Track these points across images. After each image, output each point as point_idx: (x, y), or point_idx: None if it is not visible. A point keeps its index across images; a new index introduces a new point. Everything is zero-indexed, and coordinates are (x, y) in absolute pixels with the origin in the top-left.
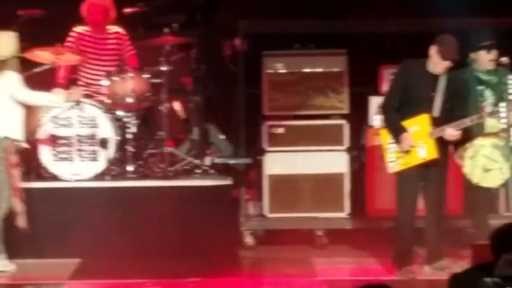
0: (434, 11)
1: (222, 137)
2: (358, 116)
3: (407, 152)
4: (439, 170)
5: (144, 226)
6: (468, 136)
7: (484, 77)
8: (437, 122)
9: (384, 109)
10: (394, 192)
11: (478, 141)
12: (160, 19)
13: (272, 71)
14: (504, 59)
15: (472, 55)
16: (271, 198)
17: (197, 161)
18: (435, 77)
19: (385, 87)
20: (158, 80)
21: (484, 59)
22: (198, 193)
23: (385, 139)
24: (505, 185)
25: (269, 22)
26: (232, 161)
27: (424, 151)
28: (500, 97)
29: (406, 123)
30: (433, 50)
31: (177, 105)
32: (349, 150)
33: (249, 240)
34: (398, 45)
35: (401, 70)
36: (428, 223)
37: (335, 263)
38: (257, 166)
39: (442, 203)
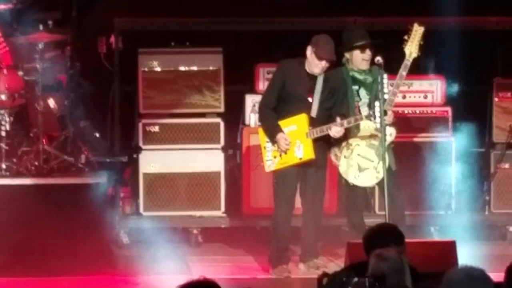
0: (311, 9)
1: (97, 134)
2: (234, 115)
3: (284, 151)
4: (317, 170)
5: (18, 224)
6: (343, 136)
7: (359, 76)
8: (315, 122)
9: (261, 109)
10: (270, 191)
11: (353, 141)
12: (34, 15)
13: (147, 69)
14: (378, 59)
15: (347, 55)
16: (147, 197)
17: (71, 159)
18: (312, 77)
19: (261, 85)
20: (33, 78)
21: (358, 59)
22: (73, 191)
23: (263, 138)
24: (379, 184)
25: (145, 19)
26: (107, 159)
27: (301, 151)
28: (375, 96)
29: (283, 123)
30: (309, 51)
31: (51, 103)
32: (224, 148)
33: (124, 238)
34: (274, 44)
35: (278, 69)
36: (305, 222)
37: (210, 262)
38: (133, 164)
39: (320, 202)
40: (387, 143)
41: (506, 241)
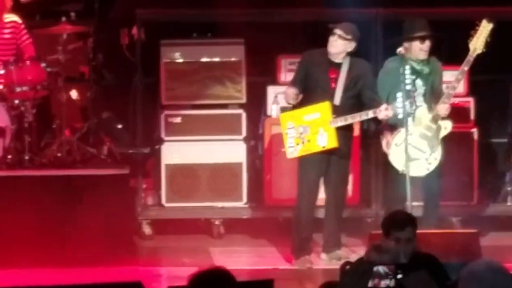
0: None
1: (120, 126)
2: (255, 106)
3: (305, 137)
4: (340, 160)
5: (43, 215)
6: (395, 123)
7: (416, 66)
8: (338, 111)
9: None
10: (292, 181)
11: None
12: (57, 7)
13: (169, 60)
14: (400, 50)
15: (406, 44)
16: (169, 188)
17: (94, 150)
18: (336, 66)
19: (282, 76)
20: (55, 69)
21: (417, 49)
22: (95, 182)
23: (284, 124)
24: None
25: (166, 11)
26: (130, 150)
27: (325, 139)
28: (431, 87)
29: (306, 110)
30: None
31: (74, 94)
32: (246, 139)
33: (147, 229)
34: (296, 35)
35: (302, 60)
36: (327, 212)
37: (232, 253)
38: (155, 155)
39: (342, 193)
40: (442, 135)
41: None
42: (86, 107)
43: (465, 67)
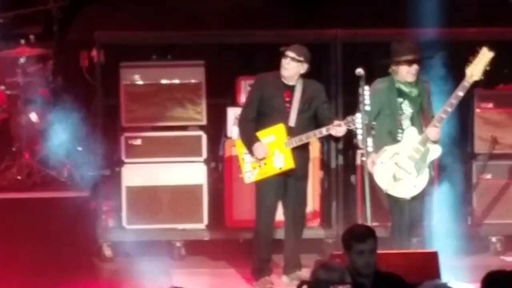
0: (291, 22)
1: (80, 148)
2: (216, 127)
3: (261, 160)
4: (298, 182)
5: (1, 237)
6: (381, 142)
7: (404, 89)
8: (293, 132)
9: (240, 122)
10: (252, 203)
11: (394, 148)
12: (16, 30)
13: (129, 83)
14: (359, 71)
15: (393, 67)
16: (129, 210)
17: (54, 173)
18: (290, 88)
19: (242, 98)
20: (15, 92)
21: (404, 72)
22: (56, 205)
23: (241, 150)
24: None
25: (126, 33)
26: (90, 173)
27: (281, 160)
28: (420, 109)
29: (262, 133)
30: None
31: (34, 117)
32: (207, 161)
33: (107, 252)
34: (256, 56)
35: (255, 83)
36: (286, 234)
37: (193, 274)
38: (115, 177)
39: (301, 214)
40: (430, 159)
41: (488, 252)
42: (46, 129)
43: (460, 92)
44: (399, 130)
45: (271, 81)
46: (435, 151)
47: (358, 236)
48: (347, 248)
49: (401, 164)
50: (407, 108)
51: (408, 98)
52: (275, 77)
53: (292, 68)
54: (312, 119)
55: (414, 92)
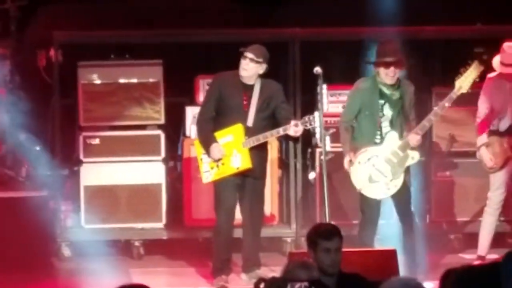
0: (250, 21)
1: (38, 148)
2: (174, 127)
3: (218, 161)
4: (255, 181)
5: None
6: (358, 141)
7: (386, 91)
8: (251, 132)
9: (198, 122)
10: (211, 202)
11: (373, 150)
12: None
13: (87, 82)
14: (317, 69)
15: (375, 67)
16: (88, 209)
17: (12, 173)
18: (248, 88)
19: (201, 97)
20: None
21: (383, 74)
22: (14, 204)
23: (199, 150)
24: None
25: (84, 33)
26: (48, 172)
27: (238, 160)
28: (399, 112)
29: (219, 134)
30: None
31: None
32: (165, 160)
33: (66, 251)
34: (214, 55)
35: (213, 82)
36: (245, 233)
37: (152, 273)
38: (74, 177)
39: (259, 213)
40: (407, 164)
41: (446, 250)
42: (3, 129)
43: (447, 103)
44: (378, 132)
45: (230, 81)
46: (413, 158)
47: (325, 234)
48: (313, 246)
49: (378, 167)
50: (387, 111)
51: (388, 100)
52: (233, 76)
53: (251, 69)
54: (270, 118)
55: (396, 95)
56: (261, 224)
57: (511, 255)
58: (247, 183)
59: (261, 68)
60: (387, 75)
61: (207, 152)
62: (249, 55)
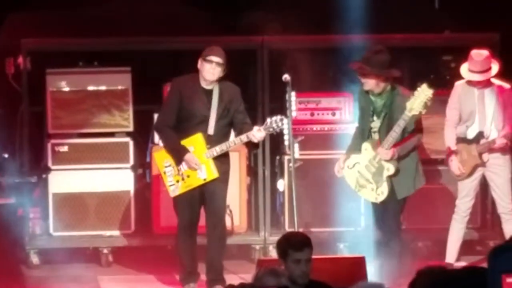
0: (218, 29)
1: (6, 155)
2: (143, 134)
3: (184, 173)
4: (218, 187)
5: None
6: (353, 144)
7: (372, 98)
8: (212, 140)
9: (160, 129)
10: None
11: (355, 157)
12: None
13: (55, 89)
14: (286, 76)
15: None
16: (56, 217)
17: None
18: (208, 93)
19: None
20: None
21: (362, 82)
22: None
23: (161, 163)
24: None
25: (52, 40)
26: (16, 180)
27: (204, 172)
28: (383, 121)
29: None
30: (200, 62)
31: None
32: (134, 167)
33: (34, 259)
34: (182, 63)
35: (173, 87)
36: (209, 241)
37: (121, 281)
38: (42, 184)
39: (222, 219)
40: (385, 175)
41: (415, 257)
42: None
43: (401, 123)
44: (368, 136)
45: (190, 85)
46: (389, 169)
47: (295, 245)
48: (283, 256)
49: (362, 173)
50: (374, 118)
51: (373, 107)
52: (192, 81)
53: (217, 73)
54: (230, 125)
55: (379, 102)
56: (225, 228)
57: (498, 249)
58: (211, 189)
59: (223, 71)
60: (364, 84)
61: (179, 161)
62: (215, 59)
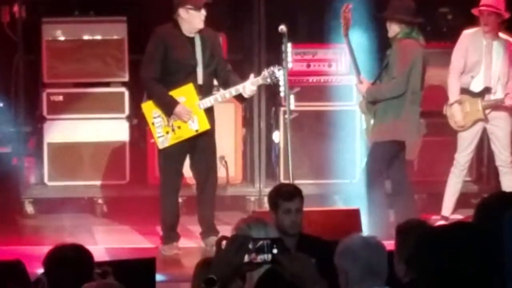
0: None
1: (1, 104)
2: (138, 84)
3: (175, 123)
4: (207, 139)
5: None
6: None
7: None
8: (203, 90)
9: (146, 81)
10: None
11: None
12: None
13: (51, 38)
14: (282, 27)
15: None
16: (51, 166)
17: None
18: (191, 42)
19: None
20: None
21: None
22: None
23: (149, 114)
24: None
25: None
26: (11, 129)
27: (196, 123)
28: (385, 67)
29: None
30: (182, 11)
31: None
32: (129, 118)
33: (29, 208)
34: None
35: (156, 37)
36: (202, 193)
37: (115, 231)
38: (37, 134)
39: (214, 171)
40: None
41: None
42: None
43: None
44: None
45: (173, 34)
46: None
47: (285, 195)
48: (274, 207)
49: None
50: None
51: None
52: (174, 29)
53: (204, 18)
54: (215, 73)
55: (389, 50)
56: (217, 180)
57: None
58: (200, 142)
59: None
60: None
61: (169, 114)
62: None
